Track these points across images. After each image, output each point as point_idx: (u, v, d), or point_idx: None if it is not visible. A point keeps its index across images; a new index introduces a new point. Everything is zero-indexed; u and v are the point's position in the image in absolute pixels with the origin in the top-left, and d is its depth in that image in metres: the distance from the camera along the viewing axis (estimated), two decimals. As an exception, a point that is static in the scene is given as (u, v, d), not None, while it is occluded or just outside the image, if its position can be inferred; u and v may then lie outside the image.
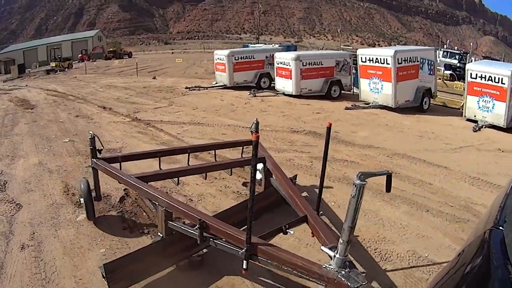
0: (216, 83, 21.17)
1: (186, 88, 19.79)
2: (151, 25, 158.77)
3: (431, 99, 16.63)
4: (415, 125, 12.92)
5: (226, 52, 20.56)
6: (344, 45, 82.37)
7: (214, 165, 5.90)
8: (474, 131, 12.59)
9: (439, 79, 30.87)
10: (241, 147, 6.52)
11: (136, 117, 12.50)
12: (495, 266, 1.75)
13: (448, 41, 59.15)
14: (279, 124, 11.78)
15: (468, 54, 44.29)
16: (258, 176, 5.79)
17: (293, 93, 17.21)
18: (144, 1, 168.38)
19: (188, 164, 5.88)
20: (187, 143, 9.45)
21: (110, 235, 5.00)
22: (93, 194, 5.38)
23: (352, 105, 15.50)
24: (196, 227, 3.81)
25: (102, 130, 10.71)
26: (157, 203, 4.38)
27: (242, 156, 6.36)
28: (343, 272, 2.94)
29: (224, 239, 3.72)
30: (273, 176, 5.45)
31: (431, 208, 6.09)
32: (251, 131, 5.40)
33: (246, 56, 20.71)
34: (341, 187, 6.83)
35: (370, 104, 15.57)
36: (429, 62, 16.38)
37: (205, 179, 6.32)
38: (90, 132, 5.28)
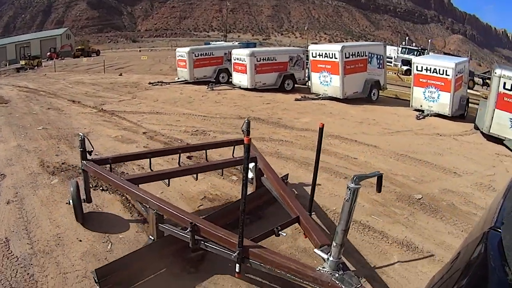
0: (178, 78, 22.16)
1: (150, 83, 20.68)
2: (119, 23, 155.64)
3: (380, 91, 17.85)
4: (360, 114, 13.91)
5: (187, 49, 21.61)
6: (312, 43, 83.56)
7: (205, 166, 5.81)
8: (417, 119, 13.63)
9: (395, 73, 32.82)
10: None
11: (102, 109, 13.53)
12: (493, 268, 1.76)
13: (406, 38, 61.63)
14: (229, 112, 12.97)
15: (426, 50, 46.68)
16: (249, 174, 6.12)
17: (248, 87, 18.31)
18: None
19: (179, 165, 5.89)
20: (145, 128, 10.75)
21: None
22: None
23: (302, 97, 16.60)
24: (188, 230, 3.76)
25: (72, 119, 11.80)
26: (148, 206, 4.34)
27: (233, 156, 6.12)
28: (337, 275, 2.99)
29: (216, 242, 3.70)
30: (264, 175, 5.42)
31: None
32: (242, 130, 5.62)
33: (206, 53, 21.78)
34: (270, 159, 7.70)
35: (320, 96, 16.69)
36: (378, 56, 17.60)
37: (196, 180, 5.95)
38: (80, 134, 5.21)
